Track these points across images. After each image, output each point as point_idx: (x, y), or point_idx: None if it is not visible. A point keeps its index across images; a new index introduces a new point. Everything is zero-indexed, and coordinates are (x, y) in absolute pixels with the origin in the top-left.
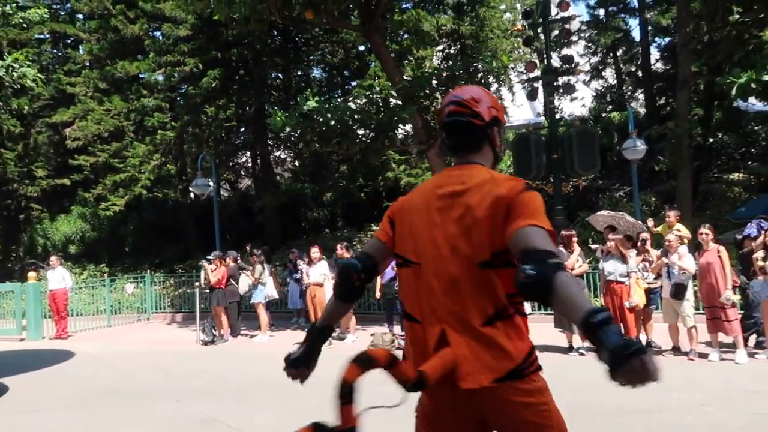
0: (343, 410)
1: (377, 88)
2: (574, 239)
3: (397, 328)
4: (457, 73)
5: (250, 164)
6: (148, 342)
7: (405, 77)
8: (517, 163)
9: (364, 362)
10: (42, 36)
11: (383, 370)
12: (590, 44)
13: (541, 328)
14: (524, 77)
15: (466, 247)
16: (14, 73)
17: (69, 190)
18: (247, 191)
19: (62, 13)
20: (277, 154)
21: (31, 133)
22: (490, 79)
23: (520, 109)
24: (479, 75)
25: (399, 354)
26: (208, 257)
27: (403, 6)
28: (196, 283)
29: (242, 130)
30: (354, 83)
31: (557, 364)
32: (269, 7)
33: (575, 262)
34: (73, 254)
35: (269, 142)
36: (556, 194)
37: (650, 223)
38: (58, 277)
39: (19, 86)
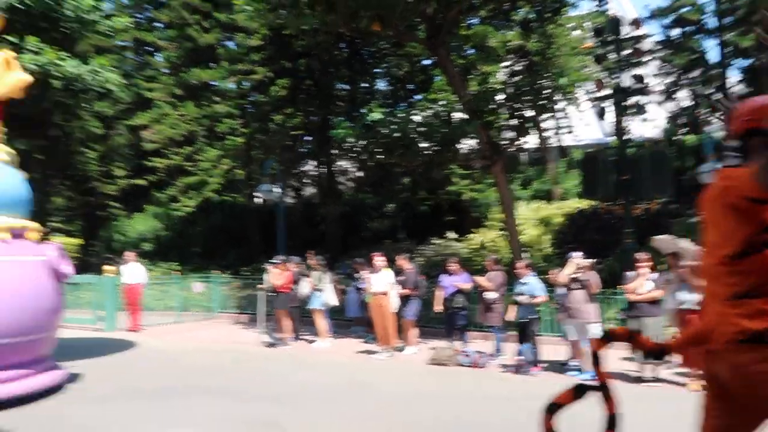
0: (598, 371)
1: (442, 102)
2: (643, 262)
3: (457, 343)
4: (524, 89)
5: (314, 173)
6: (213, 341)
7: (470, 92)
8: (585, 183)
9: (607, 337)
10: (124, 43)
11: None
12: (664, 64)
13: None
14: (593, 96)
15: None
16: (98, 78)
17: (145, 190)
18: (311, 199)
19: (143, 21)
20: (341, 163)
21: (111, 135)
22: (557, 96)
23: (588, 128)
24: (546, 92)
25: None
26: (272, 261)
27: (470, 21)
28: (260, 286)
29: (308, 139)
30: (418, 96)
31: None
32: (337, 19)
33: (640, 285)
34: (146, 251)
35: (333, 152)
36: (625, 217)
37: None
38: (133, 272)
39: (102, 90)
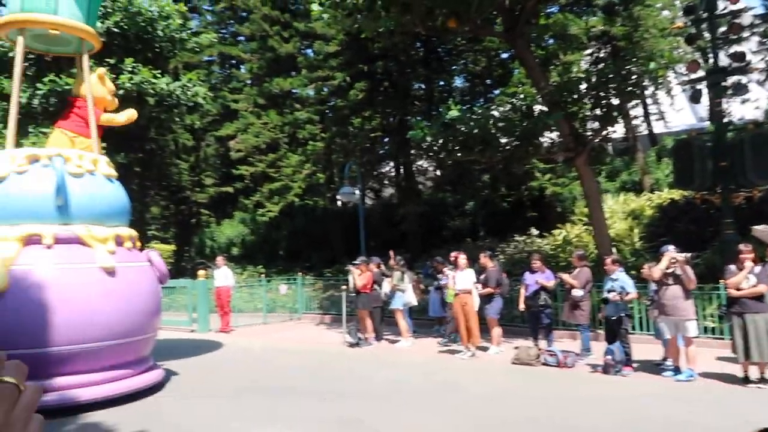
0: None
1: (521, 95)
2: (746, 255)
3: (542, 343)
4: (609, 77)
5: (393, 173)
6: (298, 341)
7: (551, 83)
8: (678, 172)
9: None
10: (210, 58)
11: None
12: (765, 39)
13: (707, 352)
14: (685, 79)
15: None
16: (188, 92)
17: (232, 197)
18: (390, 200)
19: (227, 36)
20: (419, 163)
21: (201, 146)
22: (646, 81)
23: (680, 114)
24: (633, 78)
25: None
26: (354, 262)
27: (549, 10)
28: (343, 287)
29: (386, 140)
30: (497, 91)
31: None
32: (413, 19)
33: (743, 279)
34: (235, 255)
35: (412, 152)
36: (724, 206)
37: None
38: (223, 275)
39: (192, 104)
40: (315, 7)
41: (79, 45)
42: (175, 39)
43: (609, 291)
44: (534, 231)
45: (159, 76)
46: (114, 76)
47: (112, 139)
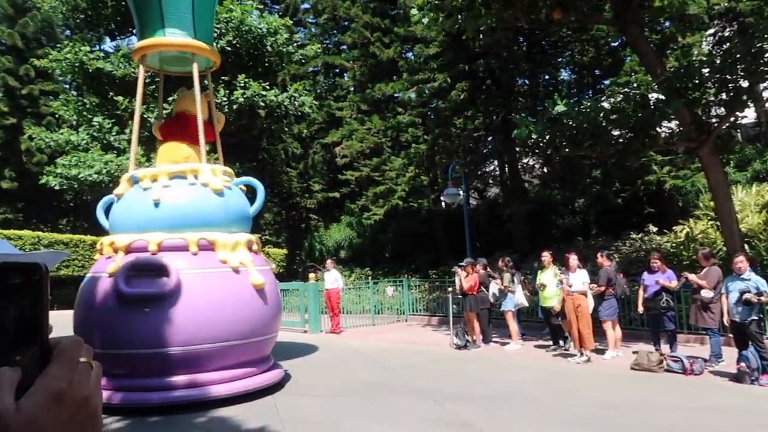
0: None
1: (634, 84)
2: None
3: (665, 348)
4: (737, 57)
5: (498, 172)
6: (406, 342)
7: (668, 68)
8: None
9: None
10: (315, 68)
11: None
12: None
13: None
14: None
15: None
16: (295, 102)
17: (339, 201)
18: (496, 199)
19: (330, 46)
20: (525, 161)
21: (308, 154)
22: None
23: None
24: (765, 57)
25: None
26: (460, 264)
27: None
28: (449, 289)
29: (489, 139)
30: (607, 82)
31: None
32: (515, 13)
33: None
34: (343, 258)
35: (517, 150)
36: None
37: None
38: (332, 278)
39: (299, 113)
40: (415, 12)
41: (204, 63)
42: (283, 53)
43: (746, 292)
44: (652, 228)
45: (268, 88)
46: (228, 91)
47: (229, 151)
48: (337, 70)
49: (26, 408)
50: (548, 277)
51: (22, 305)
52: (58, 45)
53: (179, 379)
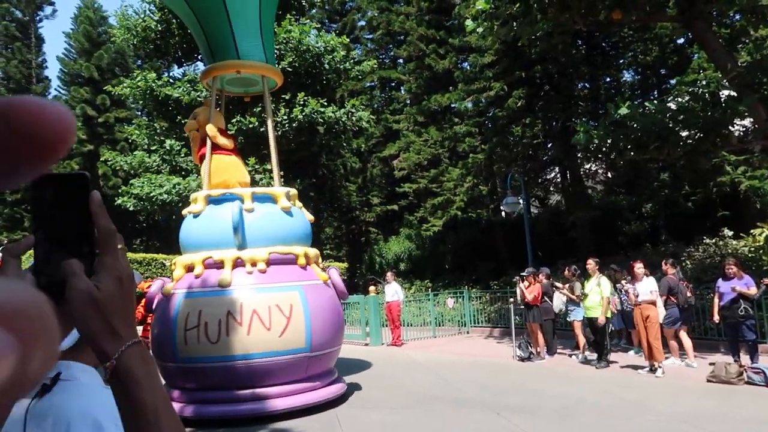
0: None
1: (703, 82)
2: None
3: (745, 359)
4: None
5: (559, 179)
6: (468, 354)
7: (740, 63)
8: None
9: None
10: (372, 83)
11: None
12: None
13: None
14: None
15: None
16: (353, 118)
17: (397, 214)
18: (558, 207)
19: (386, 60)
20: (587, 166)
21: (367, 168)
22: None
23: None
24: None
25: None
26: (521, 274)
27: None
28: (511, 300)
29: (549, 145)
30: (673, 81)
31: None
32: (572, 17)
33: None
34: (402, 271)
35: (578, 155)
36: None
37: None
38: (393, 290)
39: (357, 128)
40: (469, 22)
41: (270, 84)
42: (340, 70)
43: None
44: (727, 232)
45: (326, 105)
46: (288, 109)
47: (290, 168)
48: (393, 84)
49: (102, 287)
50: (591, 285)
51: (79, 206)
52: (130, 74)
53: (247, 393)
